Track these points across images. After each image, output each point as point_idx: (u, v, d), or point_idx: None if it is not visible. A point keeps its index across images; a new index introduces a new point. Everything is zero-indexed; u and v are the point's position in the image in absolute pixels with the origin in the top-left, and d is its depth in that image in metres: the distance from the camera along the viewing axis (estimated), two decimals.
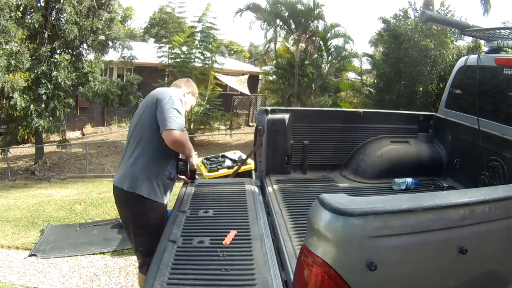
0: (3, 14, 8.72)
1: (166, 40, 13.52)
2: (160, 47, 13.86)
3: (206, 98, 13.07)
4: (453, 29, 8.59)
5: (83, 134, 15.91)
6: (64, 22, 9.95)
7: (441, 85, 9.72)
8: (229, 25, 69.63)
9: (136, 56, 11.90)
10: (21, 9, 9.43)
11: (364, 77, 15.07)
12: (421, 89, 10.54)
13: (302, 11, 12.65)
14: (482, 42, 4.66)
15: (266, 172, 2.95)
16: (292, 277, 1.52)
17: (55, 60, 9.80)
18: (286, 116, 2.94)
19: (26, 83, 9.72)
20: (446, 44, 10.22)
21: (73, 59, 10.48)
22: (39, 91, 9.64)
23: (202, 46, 13.13)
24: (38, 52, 9.86)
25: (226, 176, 3.76)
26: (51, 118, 10.16)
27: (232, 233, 1.84)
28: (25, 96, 9.44)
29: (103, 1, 10.69)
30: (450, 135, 3.05)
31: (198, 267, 1.58)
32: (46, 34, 9.99)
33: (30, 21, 9.45)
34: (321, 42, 13.22)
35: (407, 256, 1.24)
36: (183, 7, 13.78)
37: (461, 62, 3.11)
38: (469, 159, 2.81)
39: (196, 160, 2.46)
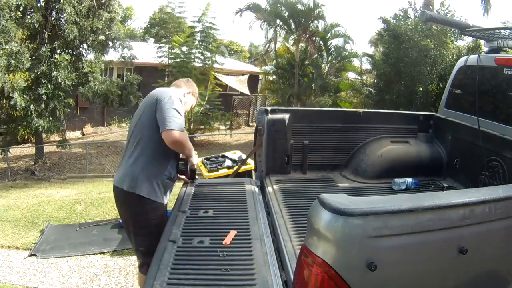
0: (3, 14, 8.72)
1: (166, 40, 13.52)
2: (160, 47, 13.86)
3: (206, 98, 13.07)
4: (453, 29, 8.59)
5: (83, 134, 15.91)
6: (64, 22, 9.96)
7: (441, 85, 9.73)
8: (229, 25, 69.64)
9: (136, 56, 11.90)
10: (21, 9, 9.43)
11: (364, 77, 15.08)
12: (421, 89, 10.54)
13: (302, 11, 12.65)
14: (482, 42, 4.66)
15: (266, 172, 2.95)
16: (292, 277, 1.52)
17: (55, 60, 9.80)
18: (286, 116, 2.94)
19: (26, 83, 9.72)
20: (446, 44, 10.22)
21: (73, 59, 10.48)
22: (39, 91, 9.64)
23: (202, 46, 13.14)
24: (38, 52, 9.87)
25: (226, 176, 3.76)
26: (51, 118, 10.16)
27: (232, 233, 1.84)
28: (25, 96, 9.44)
29: (103, 1, 10.69)
30: (450, 135, 3.05)
31: (198, 267, 1.58)
32: (46, 34, 9.99)
33: (30, 21, 9.46)
34: (321, 42, 13.23)
35: (407, 256, 1.24)
36: (182, 7, 13.81)
37: (461, 62, 3.11)
38: (469, 159, 2.81)
39: (196, 160, 2.46)
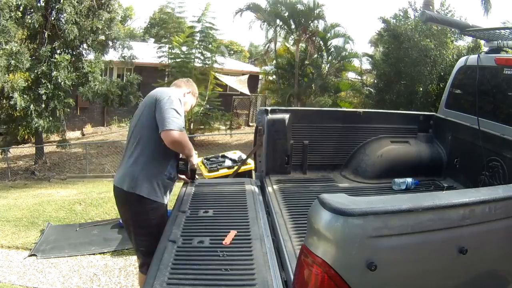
0: (3, 14, 8.72)
1: (166, 40, 13.52)
2: (160, 47, 13.86)
3: (206, 98, 13.07)
4: (453, 29, 8.59)
5: (83, 134, 15.91)
6: (64, 22, 9.95)
7: (441, 85, 9.73)
8: (229, 25, 69.66)
9: (136, 56, 11.90)
10: (21, 9, 9.43)
11: (364, 77, 15.08)
12: (421, 89, 10.54)
13: (302, 11, 12.65)
14: (482, 42, 4.66)
15: (266, 172, 2.95)
16: (292, 277, 1.52)
17: (55, 60, 9.80)
18: (286, 116, 2.94)
19: (26, 83, 9.72)
20: (446, 44, 10.22)
21: (73, 59, 10.48)
22: (39, 91, 9.64)
23: (202, 46, 13.14)
24: (38, 52, 9.86)
25: (226, 176, 3.76)
26: (51, 118, 10.16)
27: (232, 233, 1.84)
28: (25, 96, 9.44)
29: (103, 1, 10.69)
30: (450, 135, 3.05)
31: (198, 267, 1.58)
32: (46, 34, 9.99)
33: (30, 21, 9.45)
34: (321, 42, 13.23)
35: (407, 256, 1.24)
36: (182, 7, 13.81)
37: (461, 62, 3.11)
38: (469, 159, 2.81)
39: (196, 159, 2.46)
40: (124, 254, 3.97)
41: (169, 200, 2.31)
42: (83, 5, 10.07)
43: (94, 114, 16.76)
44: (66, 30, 9.62)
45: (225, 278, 1.51)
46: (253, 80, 18.57)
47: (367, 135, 3.15)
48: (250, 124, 16.93)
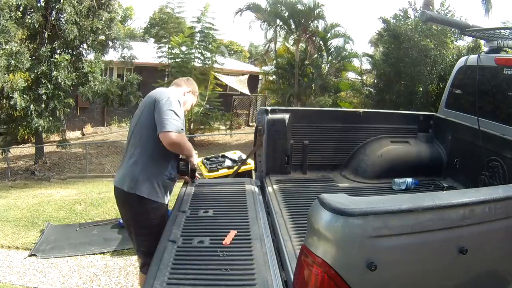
0: (3, 14, 8.72)
1: (166, 40, 13.53)
2: (159, 47, 13.87)
3: (206, 98, 13.07)
4: (453, 29, 8.59)
5: (83, 134, 15.91)
6: (64, 22, 9.95)
7: (441, 85, 9.73)
8: (229, 25, 69.76)
9: (136, 56, 11.90)
10: (21, 9, 9.43)
11: (364, 77, 15.08)
12: (421, 89, 10.55)
13: (302, 11, 12.65)
14: (482, 42, 4.66)
15: (266, 172, 2.95)
16: (292, 277, 1.52)
17: (55, 60, 9.80)
18: (286, 116, 2.94)
19: (26, 83, 9.72)
20: (446, 44, 10.23)
21: (73, 59, 10.48)
22: (39, 91, 9.63)
23: (202, 46, 13.14)
24: (38, 52, 9.86)
25: (226, 176, 3.76)
26: (51, 118, 10.15)
27: (232, 233, 1.84)
28: (25, 96, 9.44)
29: (103, 1, 10.69)
30: (450, 135, 3.05)
31: (198, 267, 1.58)
32: (46, 34, 9.99)
33: (30, 21, 9.45)
34: (321, 42, 13.23)
35: (407, 256, 1.24)
36: (182, 7, 13.82)
37: (461, 62, 3.11)
38: (469, 159, 2.82)
39: (196, 159, 2.46)
40: (124, 254, 3.97)
41: (169, 200, 2.31)
42: (83, 5, 10.06)
43: (94, 114, 16.76)
44: (66, 30, 9.62)
45: (225, 278, 1.51)
46: (253, 80, 18.57)
47: (367, 135, 3.15)
48: (250, 124, 16.93)
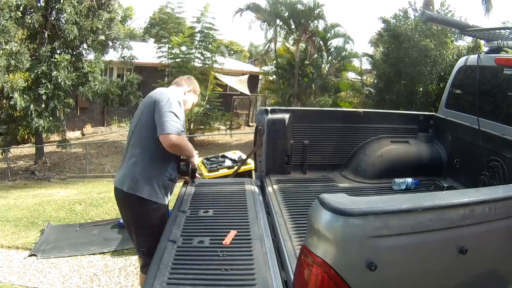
0: (3, 14, 8.72)
1: (166, 40, 13.53)
2: (159, 47, 13.87)
3: (206, 98, 13.07)
4: (453, 29, 8.59)
5: (83, 134, 15.91)
6: (64, 22, 9.95)
7: (441, 85, 9.73)
8: (229, 25, 69.76)
9: (136, 56, 11.90)
10: (21, 9, 9.42)
11: (364, 77, 15.08)
12: (421, 89, 10.55)
13: (302, 11, 12.64)
14: (482, 42, 4.66)
15: (266, 172, 2.95)
16: (292, 277, 1.52)
17: (55, 60, 9.80)
18: (286, 116, 2.94)
19: (26, 83, 9.72)
20: (446, 44, 10.23)
21: (73, 59, 10.48)
22: (39, 91, 9.63)
23: (202, 46, 13.15)
24: (38, 52, 9.86)
25: (226, 176, 3.76)
26: (51, 118, 10.15)
27: (232, 233, 1.84)
28: (25, 96, 9.44)
29: (103, 1, 10.69)
30: (450, 135, 3.05)
31: (198, 267, 1.58)
32: (46, 34, 9.99)
33: (30, 21, 9.45)
34: (321, 42, 13.22)
35: (407, 256, 1.24)
36: (182, 7, 13.82)
37: (461, 62, 3.11)
38: (469, 159, 2.82)
39: (197, 159, 2.45)
40: (124, 254, 3.97)
41: (170, 200, 2.31)
42: (83, 5, 10.06)
43: (94, 114, 16.76)
44: (66, 30, 9.62)
45: (225, 278, 1.51)
46: (253, 80, 18.57)
47: (367, 135, 3.15)
48: (250, 124, 16.93)
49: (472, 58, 2.92)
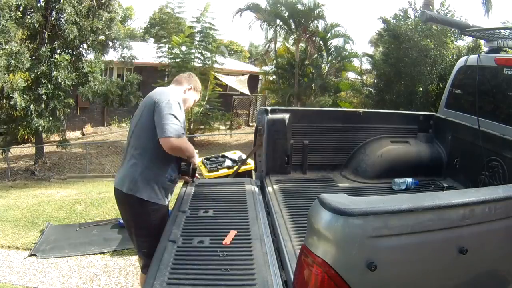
0: (3, 14, 8.72)
1: (166, 40, 13.53)
2: (159, 47, 13.88)
3: (206, 98, 13.08)
4: (453, 29, 8.59)
5: (83, 134, 15.91)
6: (64, 22, 9.95)
7: (441, 85, 9.73)
8: (229, 25, 69.85)
9: (136, 56, 11.90)
10: (21, 9, 9.43)
11: (364, 77, 15.08)
12: (421, 89, 10.55)
13: (302, 11, 12.64)
14: (482, 42, 4.66)
15: (266, 172, 2.95)
16: (292, 277, 1.52)
17: (55, 60, 9.80)
18: (286, 116, 2.94)
19: (26, 83, 9.72)
20: (446, 44, 10.23)
21: (73, 59, 10.48)
22: (39, 91, 9.64)
23: (202, 46, 13.16)
24: (38, 52, 9.86)
25: (226, 176, 3.76)
26: (51, 118, 10.16)
27: (232, 233, 1.84)
28: (25, 96, 9.44)
29: (103, 1, 10.69)
30: (450, 135, 3.05)
31: (198, 267, 1.58)
32: (46, 34, 9.99)
33: (30, 21, 9.45)
34: (321, 42, 13.22)
35: (407, 256, 1.24)
36: (182, 7, 13.83)
37: (461, 62, 3.11)
38: (469, 159, 2.82)
39: (198, 159, 2.44)
40: (124, 254, 3.97)
41: (170, 201, 2.31)
42: (83, 5, 10.07)
43: (94, 114, 16.76)
44: (66, 30, 9.62)
45: (225, 278, 1.51)
46: (253, 80, 18.57)
47: (367, 135, 3.15)
48: (250, 124, 16.93)
49: (472, 58, 2.92)
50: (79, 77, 10.41)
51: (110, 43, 11.34)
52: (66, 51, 10.49)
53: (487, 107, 2.77)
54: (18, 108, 9.25)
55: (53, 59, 9.84)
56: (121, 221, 4.09)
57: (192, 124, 13.09)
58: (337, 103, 12.85)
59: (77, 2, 9.84)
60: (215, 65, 13.57)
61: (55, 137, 13.15)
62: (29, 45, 10.33)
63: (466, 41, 10.95)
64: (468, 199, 1.29)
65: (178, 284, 1.47)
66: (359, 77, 14.98)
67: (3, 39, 8.83)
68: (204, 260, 1.63)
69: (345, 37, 13.06)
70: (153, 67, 14.57)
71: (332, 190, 2.74)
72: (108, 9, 10.73)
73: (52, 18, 10.16)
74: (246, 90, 16.45)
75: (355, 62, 14.23)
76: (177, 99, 2.15)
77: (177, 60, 13.18)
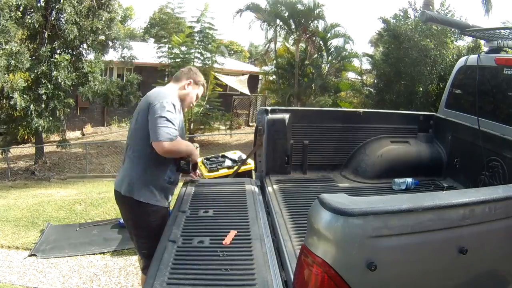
0: (3, 14, 8.72)
1: (166, 40, 13.54)
2: (159, 47, 13.88)
3: (206, 98, 13.08)
4: (453, 29, 8.59)
5: (83, 134, 15.91)
6: (64, 22, 9.96)
7: (441, 85, 9.73)
8: (229, 25, 69.87)
9: (136, 56, 11.90)
10: (21, 9, 9.43)
11: (364, 77, 15.07)
12: (421, 89, 10.55)
13: (302, 11, 12.65)
14: (482, 42, 4.66)
15: (266, 172, 2.95)
16: (292, 277, 1.52)
17: (55, 60, 9.80)
18: (286, 116, 2.94)
19: (26, 83, 9.73)
20: (446, 44, 10.23)
21: (73, 59, 10.48)
22: (39, 91, 9.64)
23: (201, 46, 13.16)
24: (38, 52, 9.87)
25: (226, 176, 3.76)
26: (51, 118, 10.16)
27: (232, 233, 1.84)
28: (25, 96, 9.45)
29: (103, 1, 10.69)
30: (450, 135, 3.05)
31: (198, 267, 1.58)
32: (46, 34, 9.99)
33: (30, 21, 9.46)
34: (321, 42, 13.22)
35: (407, 256, 1.24)
36: (182, 7, 13.84)
37: (461, 62, 3.11)
38: (469, 159, 2.81)
39: (197, 155, 2.40)
40: (124, 254, 3.97)
41: (170, 202, 2.31)
42: (83, 5, 10.07)
43: (94, 114, 16.76)
44: (66, 30, 9.63)
45: (225, 278, 1.51)
46: (253, 80, 18.57)
47: (367, 135, 3.15)
48: (250, 124, 16.93)
49: (472, 58, 2.92)
50: (79, 77, 10.41)
51: (110, 43, 11.35)
52: (66, 51, 10.49)
53: (487, 107, 2.76)
54: (18, 108, 9.26)
55: (53, 59, 9.84)
56: (121, 221, 4.10)
57: (192, 124, 13.09)
58: (337, 103, 12.84)
59: (77, 2, 9.85)
60: (215, 65, 13.58)
61: (55, 137, 13.16)
62: (29, 45, 10.33)
63: (466, 41, 10.97)
64: (468, 199, 1.29)
65: (178, 284, 1.47)
66: (359, 77, 14.98)
67: (3, 39, 8.83)
68: (204, 260, 1.63)
69: (345, 37, 13.06)
70: (153, 67, 14.57)
71: (332, 190, 2.74)
72: (108, 9, 10.73)
73: (52, 18, 10.16)
74: (246, 90, 16.45)
75: (355, 62, 14.26)
76: (171, 100, 2.08)
77: (177, 60, 13.19)
